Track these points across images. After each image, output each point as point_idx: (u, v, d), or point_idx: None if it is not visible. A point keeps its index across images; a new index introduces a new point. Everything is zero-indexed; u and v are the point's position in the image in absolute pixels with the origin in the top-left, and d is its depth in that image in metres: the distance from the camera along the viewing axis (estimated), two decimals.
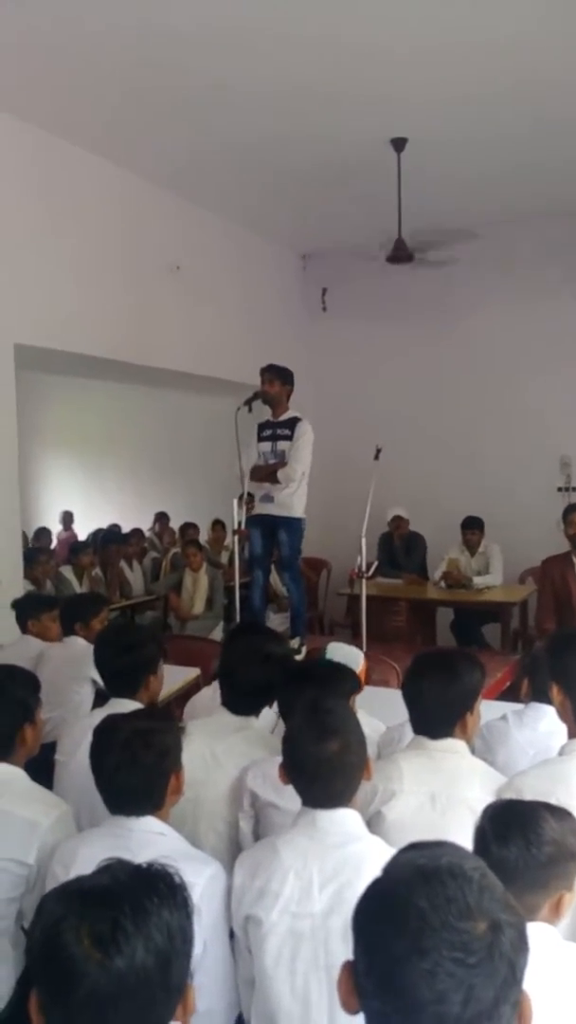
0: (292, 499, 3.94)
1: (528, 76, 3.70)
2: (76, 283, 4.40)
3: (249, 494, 4.09)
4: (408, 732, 1.88)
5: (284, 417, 4.02)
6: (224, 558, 6.14)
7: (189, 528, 6.52)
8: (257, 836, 1.78)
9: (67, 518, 8.16)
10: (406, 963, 0.68)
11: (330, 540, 5.77)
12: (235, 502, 4.03)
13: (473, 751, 1.99)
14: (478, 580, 5.13)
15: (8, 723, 1.74)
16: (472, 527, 5.28)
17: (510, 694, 3.11)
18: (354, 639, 4.13)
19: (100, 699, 2.39)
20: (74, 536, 7.68)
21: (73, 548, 5.66)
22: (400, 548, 5.66)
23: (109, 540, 6.21)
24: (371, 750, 1.86)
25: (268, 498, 3.98)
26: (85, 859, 1.35)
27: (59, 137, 4.23)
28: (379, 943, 0.72)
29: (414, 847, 0.79)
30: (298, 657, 3.02)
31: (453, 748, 1.76)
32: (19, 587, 4.08)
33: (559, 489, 5.79)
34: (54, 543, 7.62)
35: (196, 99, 3.88)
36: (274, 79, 3.70)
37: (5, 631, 3.34)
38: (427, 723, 1.76)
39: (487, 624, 5.23)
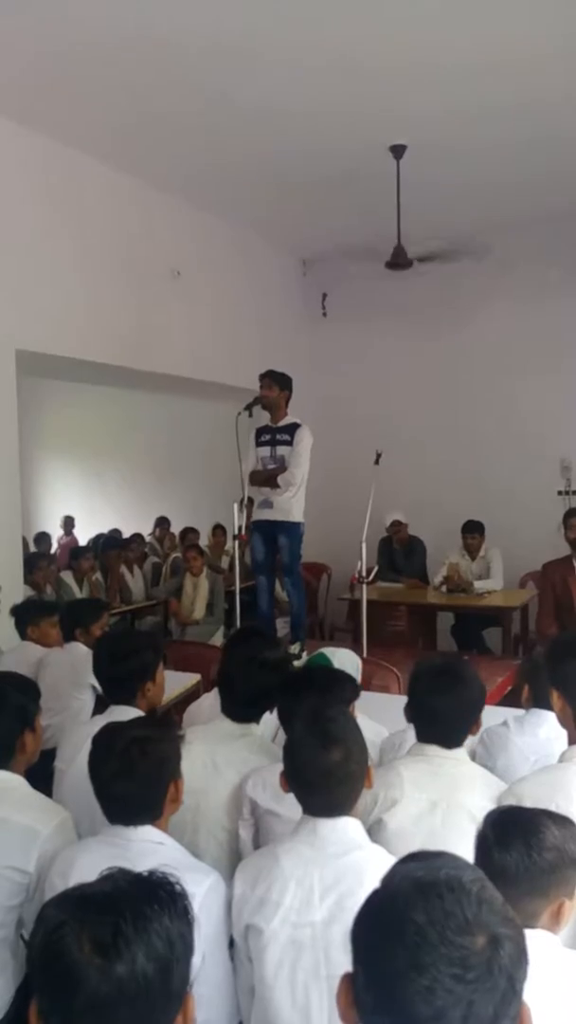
0: (291, 504, 3.95)
1: (526, 85, 3.71)
2: (78, 289, 4.41)
3: (249, 498, 4.10)
4: (409, 738, 1.88)
5: (283, 422, 4.03)
6: (225, 563, 6.14)
7: (189, 533, 6.52)
8: (257, 844, 1.77)
9: (68, 523, 8.16)
10: (404, 979, 0.68)
11: (330, 545, 5.77)
12: (236, 507, 4.04)
13: (473, 757, 1.99)
14: (479, 584, 5.12)
15: (7, 730, 1.73)
16: (472, 531, 5.28)
17: (511, 699, 3.10)
18: (355, 644, 4.13)
19: (101, 705, 2.38)
20: (75, 541, 7.68)
21: (74, 553, 5.66)
22: (400, 552, 5.66)
23: (109, 545, 6.21)
24: (373, 754, 1.86)
25: (267, 503, 3.99)
26: (83, 869, 1.35)
27: (61, 143, 4.25)
28: (377, 958, 0.71)
29: (412, 858, 0.78)
30: (298, 663, 3.01)
31: (454, 755, 1.76)
32: (19, 592, 4.08)
33: (559, 493, 5.79)
34: (54, 548, 7.63)
35: (199, 107, 3.90)
36: (276, 88, 3.72)
37: (5, 637, 3.34)
38: (441, 734, 1.75)
39: (488, 628, 5.22)
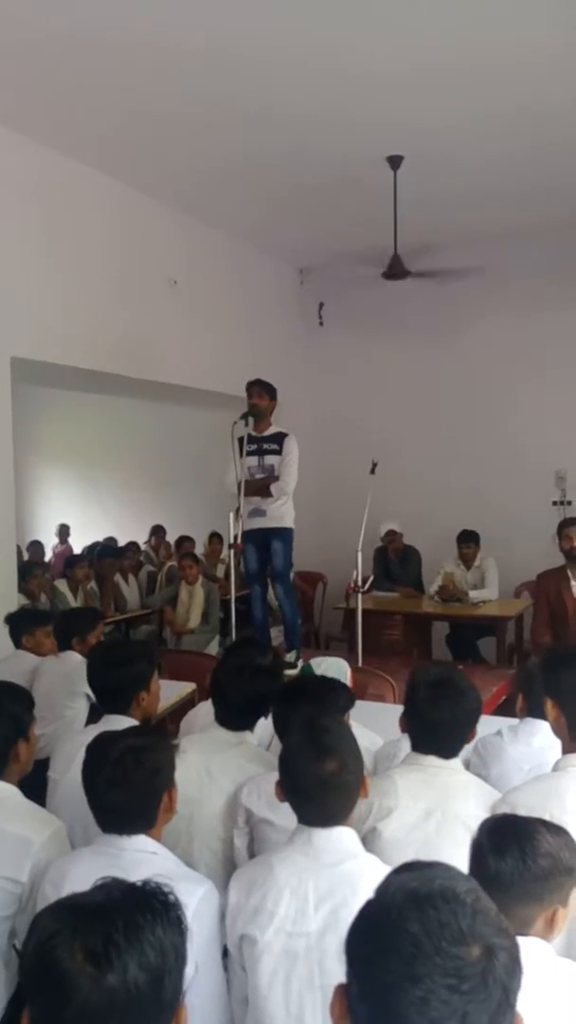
0: (283, 510, 3.99)
1: (523, 97, 3.76)
2: (74, 296, 4.42)
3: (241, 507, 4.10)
4: (404, 747, 1.88)
5: (269, 432, 4.07)
6: (220, 571, 6.13)
7: (185, 541, 6.51)
8: (252, 853, 1.77)
9: (63, 531, 8.15)
10: (399, 990, 0.68)
11: (326, 554, 5.77)
12: (231, 516, 4.05)
13: (468, 766, 1.99)
14: (474, 594, 5.13)
15: (1, 739, 1.73)
16: (468, 541, 5.29)
17: (505, 708, 3.10)
18: (350, 653, 4.13)
19: (95, 714, 2.37)
20: (70, 549, 7.66)
21: (68, 562, 5.64)
22: (395, 562, 5.66)
23: (104, 554, 6.19)
24: (368, 762, 1.86)
25: (259, 512, 4.01)
26: (75, 879, 1.34)
27: (59, 151, 4.27)
28: (372, 969, 0.71)
29: (407, 868, 0.78)
30: (292, 672, 3.01)
31: (449, 764, 1.76)
32: (14, 601, 4.07)
33: (554, 503, 5.82)
34: (48, 556, 7.61)
35: (197, 116, 3.93)
36: (274, 97, 3.75)
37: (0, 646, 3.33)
38: (438, 744, 1.75)
39: (483, 638, 5.23)
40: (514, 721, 2.24)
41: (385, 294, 5.45)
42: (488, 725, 2.16)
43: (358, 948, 0.74)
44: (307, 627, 5.53)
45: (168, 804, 1.50)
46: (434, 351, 6.11)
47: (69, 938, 0.77)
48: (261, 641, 3.82)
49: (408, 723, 1.81)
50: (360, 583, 4.02)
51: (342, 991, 0.76)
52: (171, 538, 7.30)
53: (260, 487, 3.97)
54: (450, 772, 1.75)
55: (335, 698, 1.86)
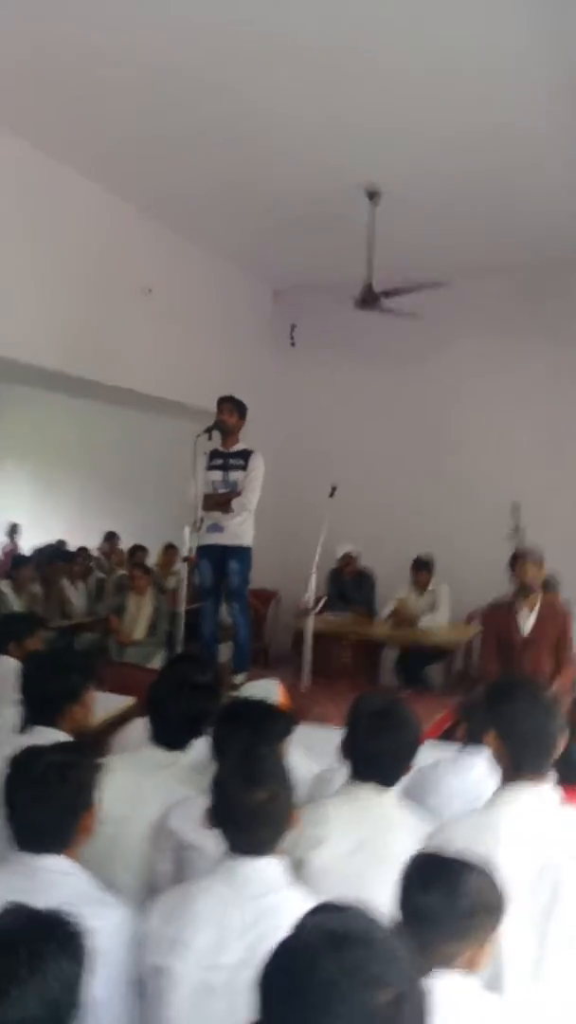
0: (242, 528, 3.94)
1: (499, 153, 3.93)
2: (42, 295, 4.34)
3: (200, 519, 4.05)
4: (340, 776, 1.84)
5: (236, 448, 4.05)
6: (172, 583, 6.04)
7: (138, 551, 6.39)
8: (177, 880, 1.70)
9: (13, 530, 7.93)
10: None
11: (281, 572, 5.74)
12: (187, 529, 3.99)
13: (406, 794, 1.96)
14: (425, 619, 5.16)
15: None
16: (421, 568, 5.34)
17: (451, 735, 3.10)
18: (297, 674, 4.09)
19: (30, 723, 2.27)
20: (17, 549, 7.45)
21: (15, 562, 5.48)
22: (350, 584, 5.67)
23: (53, 557, 6.04)
24: (303, 791, 1.81)
25: (217, 528, 3.96)
26: None
27: (41, 151, 4.22)
28: (282, 1009, 0.70)
29: (323, 909, 0.76)
30: (234, 693, 2.95)
31: (385, 795, 1.73)
32: None
33: (508, 535, 5.92)
34: None
35: (184, 133, 3.96)
36: (259, 120, 3.80)
37: None
38: (376, 774, 1.73)
39: (432, 664, 5.25)
40: (452, 752, 2.24)
41: (356, 320, 5.50)
42: (431, 752, 2.14)
43: (270, 986, 0.73)
44: (256, 644, 5.47)
45: (87, 824, 1.44)
46: (399, 379, 6.19)
47: None
48: (204, 657, 3.76)
49: (347, 751, 1.79)
50: (312, 604, 3.99)
51: None
52: (124, 545, 7.17)
53: (221, 501, 3.93)
54: (385, 804, 1.73)
55: (272, 724, 1.82)
